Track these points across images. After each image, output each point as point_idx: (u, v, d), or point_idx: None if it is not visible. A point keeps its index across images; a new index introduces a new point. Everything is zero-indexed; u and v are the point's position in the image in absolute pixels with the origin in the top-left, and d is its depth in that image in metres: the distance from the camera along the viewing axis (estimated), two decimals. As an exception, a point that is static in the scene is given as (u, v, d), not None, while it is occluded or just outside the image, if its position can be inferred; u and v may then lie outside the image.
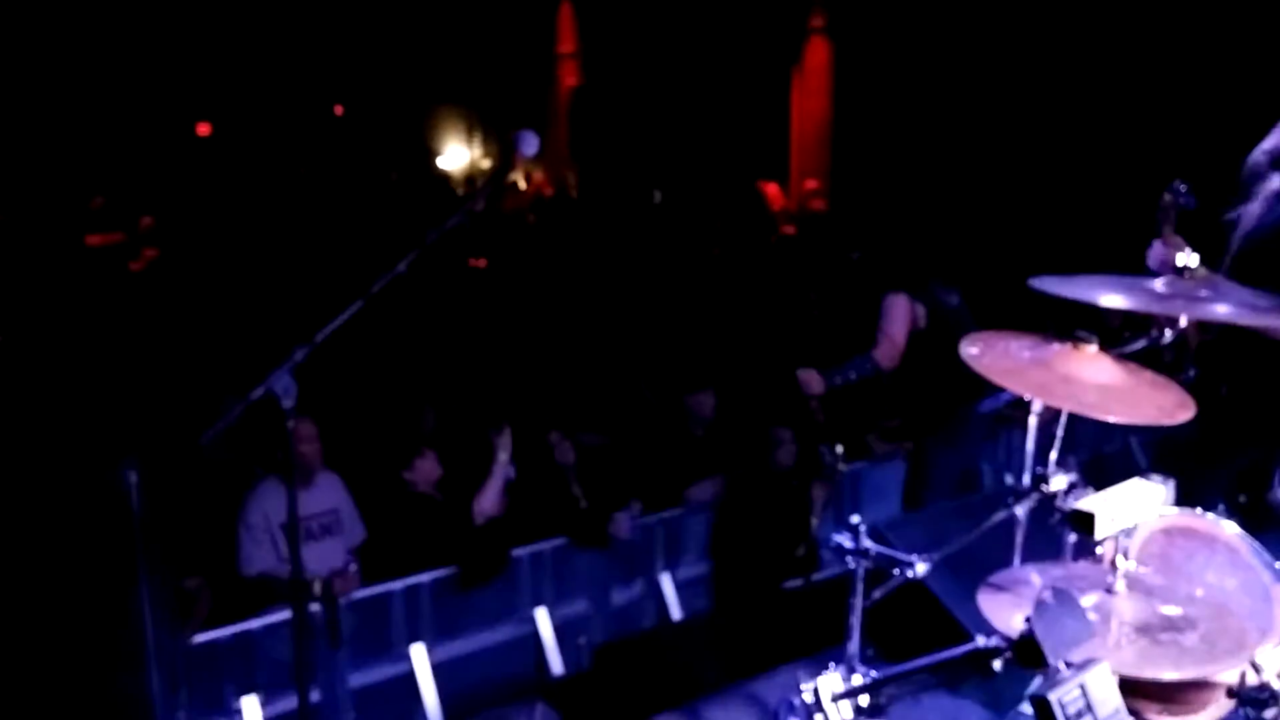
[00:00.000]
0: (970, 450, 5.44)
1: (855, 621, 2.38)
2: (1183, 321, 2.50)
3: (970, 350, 2.25)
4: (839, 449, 4.77)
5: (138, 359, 6.80)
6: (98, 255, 10.56)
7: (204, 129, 17.64)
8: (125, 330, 7.70)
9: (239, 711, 4.16)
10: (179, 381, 6.06)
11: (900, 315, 5.03)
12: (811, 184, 13.18)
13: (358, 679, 4.64)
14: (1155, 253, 2.78)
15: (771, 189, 12.51)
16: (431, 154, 20.44)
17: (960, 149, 10.68)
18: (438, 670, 4.69)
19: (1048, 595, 1.82)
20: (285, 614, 3.96)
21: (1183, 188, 2.84)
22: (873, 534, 2.46)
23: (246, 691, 4.20)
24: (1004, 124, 10.42)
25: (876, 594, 2.45)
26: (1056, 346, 2.25)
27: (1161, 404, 2.23)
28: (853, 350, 5.06)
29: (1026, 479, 2.37)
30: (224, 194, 13.49)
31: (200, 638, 4.18)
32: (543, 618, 5.12)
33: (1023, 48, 10.33)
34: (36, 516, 3.35)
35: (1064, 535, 2.45)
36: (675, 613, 5.52)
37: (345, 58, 18.11)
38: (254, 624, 4.30)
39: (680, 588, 5.59)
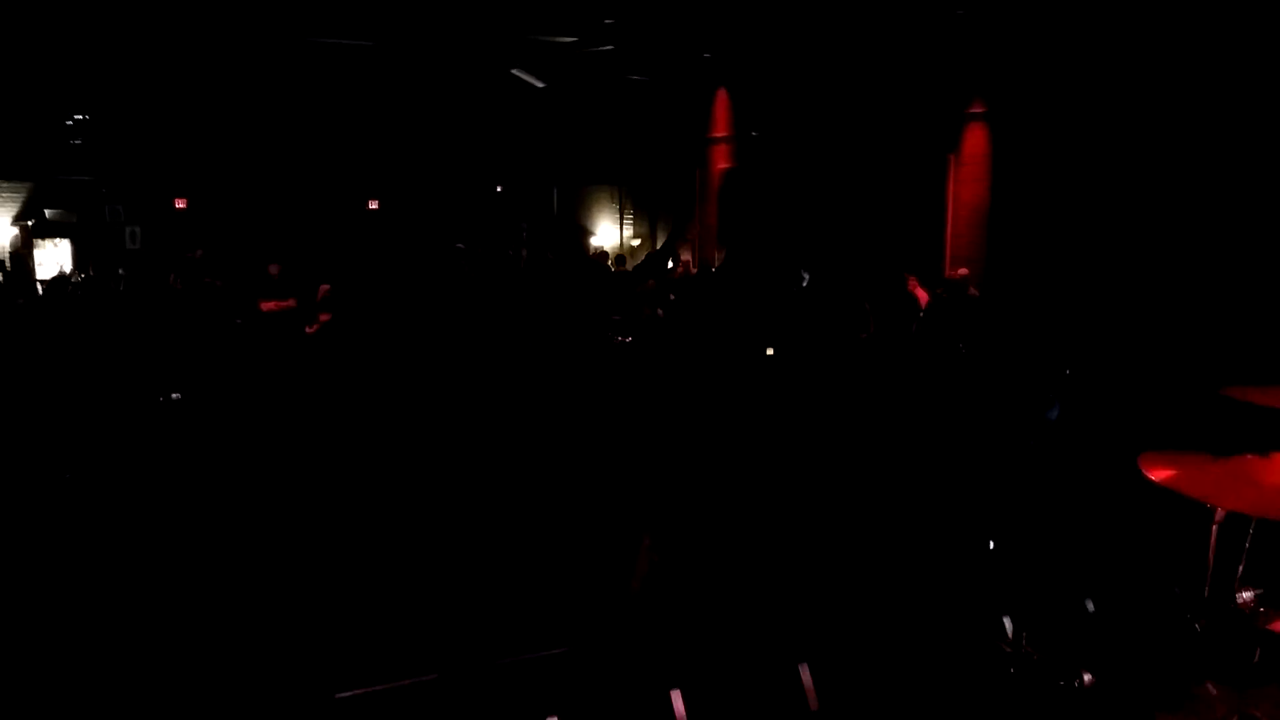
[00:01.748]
0: None
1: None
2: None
3: (1155, 469, 2.13)
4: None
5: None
6: (271, 319, 11.21)
7: (373, 204, 18.72)
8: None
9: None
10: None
11: None
12: (963, 271, 12.92)
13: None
14: None
15: (921, 293, 12.31)
16: (585, 232, 21.06)
17: (1117, 236, 10.31)
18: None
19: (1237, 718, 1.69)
20: (427, 676, 4.03)
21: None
22: (1033, 639, 2.34)
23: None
24: (1160, 211, 10.02)
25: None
26: (1244, 459, 2.11)
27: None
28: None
29: (1207, 591, 2.22)
30: (390, 265, 14.18)
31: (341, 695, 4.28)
32: (677, 700, 5.04)
33: (1180, 136, 9.98)
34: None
35: (1249, 655, 2.27)
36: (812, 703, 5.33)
37: (505, 140, 18.97)
38: (404, 682, 4.37)
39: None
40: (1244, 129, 9.53)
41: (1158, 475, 2.03)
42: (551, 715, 4.41)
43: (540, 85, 15.09)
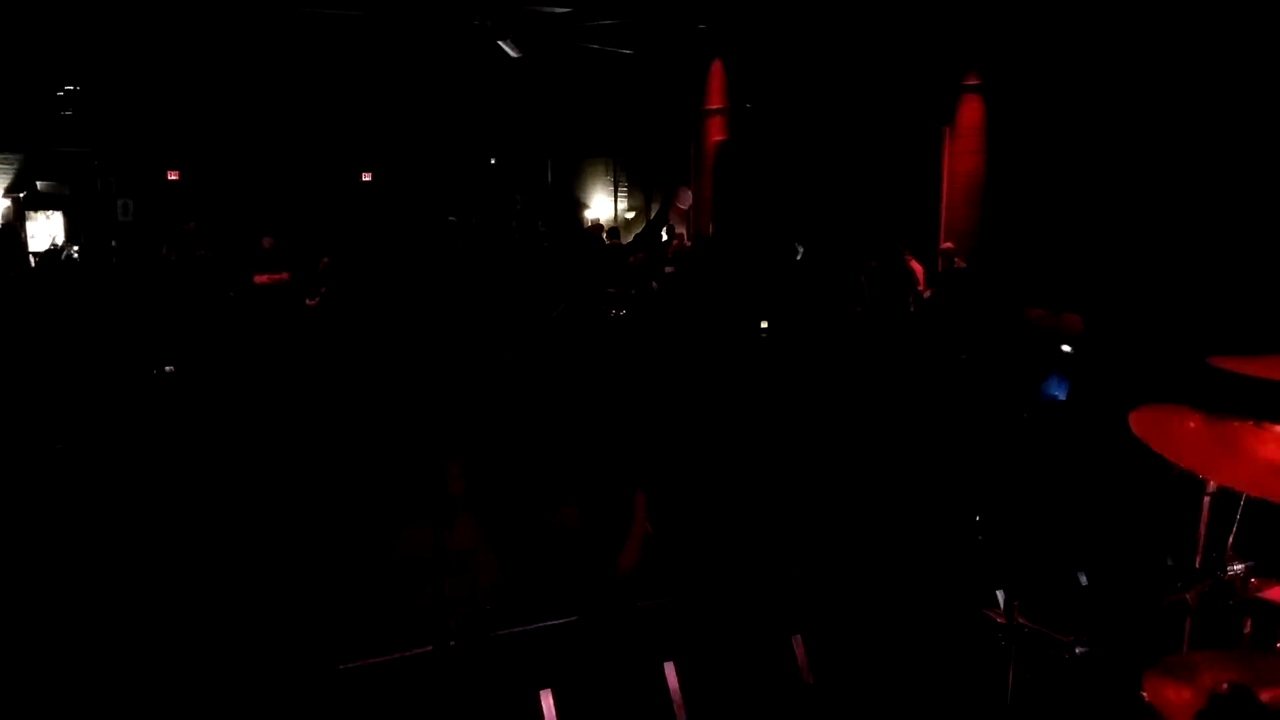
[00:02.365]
0: None
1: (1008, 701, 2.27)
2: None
3: (1141, 423, 2.14)
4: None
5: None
6: (264, 292, 11.17)
7: (366, 176, 18.63)
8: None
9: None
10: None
11: None
12: (948, 244, 12.85)
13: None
14: None
15: (915, 266, 12.30)
16: (580, 204, 20.99)
17: (1112, 209, 10.30)
18: (564, 717, 4.69)
19: (1224, 689, 1.70)
20: (423, 649, 4.05)
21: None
22: (1026, 610, 2.35)
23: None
24: (1155, 186, 10.01)
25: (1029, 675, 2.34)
26: (1236, 425, 2.12)
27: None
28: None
29: (1199, 562, 2.23)
30: (384, 237, 14.13)
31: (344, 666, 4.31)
32: (670, 672, 5.06)
33: (1175, 110, 9.95)
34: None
35: (1239, 626, 2.29)
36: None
37: (499, 112, 18.86)
38: (398, 655, 4.39)
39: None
40: (1238, 105, 9.50)
41: (1150, 437, 2.03)
42: (546, 687, 4.44)
43: (516, 55, 14.93)
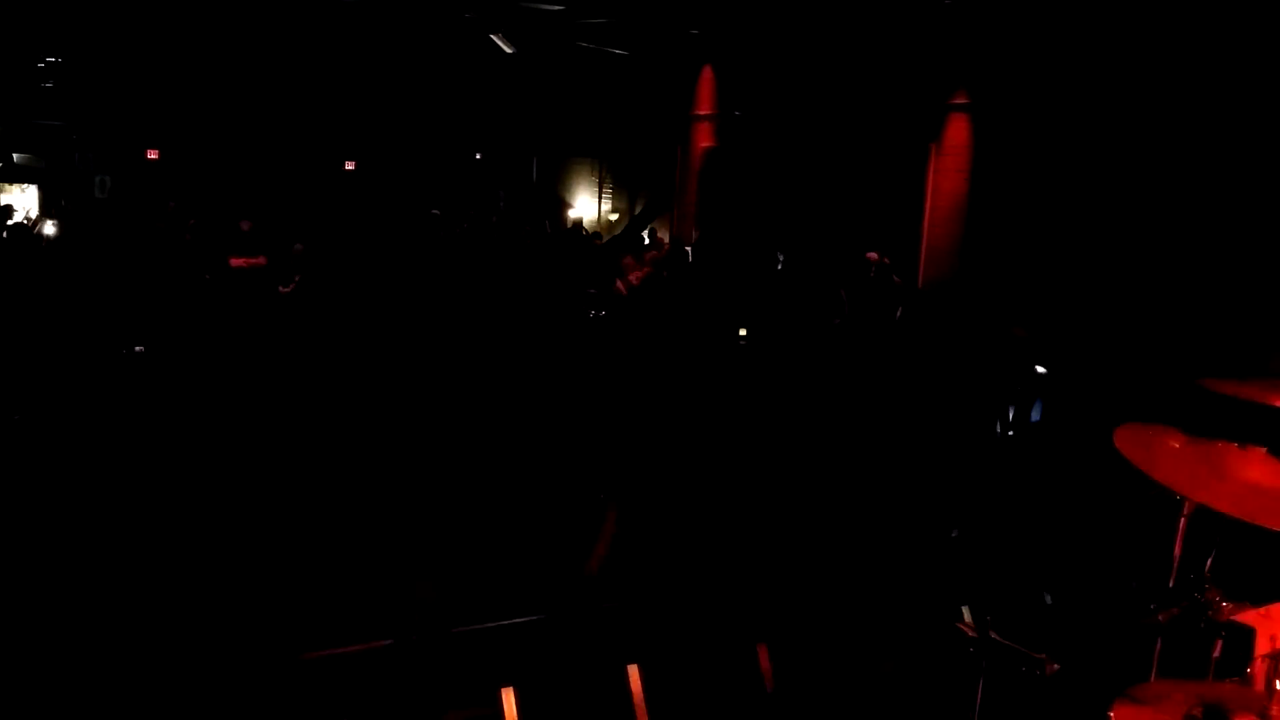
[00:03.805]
0: None
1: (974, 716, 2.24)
2: None
3: (1125, 441, 2.12)
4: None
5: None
6: (240, 276, 11.03)
7: (349, 165, 18.49)
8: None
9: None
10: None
11: None
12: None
13: (448, 715, 4.62)
14: None
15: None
16: (564, 204, 20.93)
17: (1096, 231, 10.38)
18: (525, 716, 4.63)
19: (1198, 713, 1.68)
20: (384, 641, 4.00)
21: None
22: (999, 625, 2.32)
23: (342, 715, 4.22)
24: (1140, 208, 10.10)
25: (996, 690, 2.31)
26: (1219, 446, 2.10)
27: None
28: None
29: (1172, 583, 2.21)
30: (363, 228, 14.02)
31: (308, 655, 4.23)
32: (634, 675, 5.02)
33: (1161, 131, 10.04)
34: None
35: (1209, 648, 2.27)
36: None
37: (486, 107, 18.78)
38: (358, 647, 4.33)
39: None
40: (1225, 123, 9.58)
41: (1132, 453, 2.01)
42: (508, 685, 4.38)
43: (510, 51, 14.86)
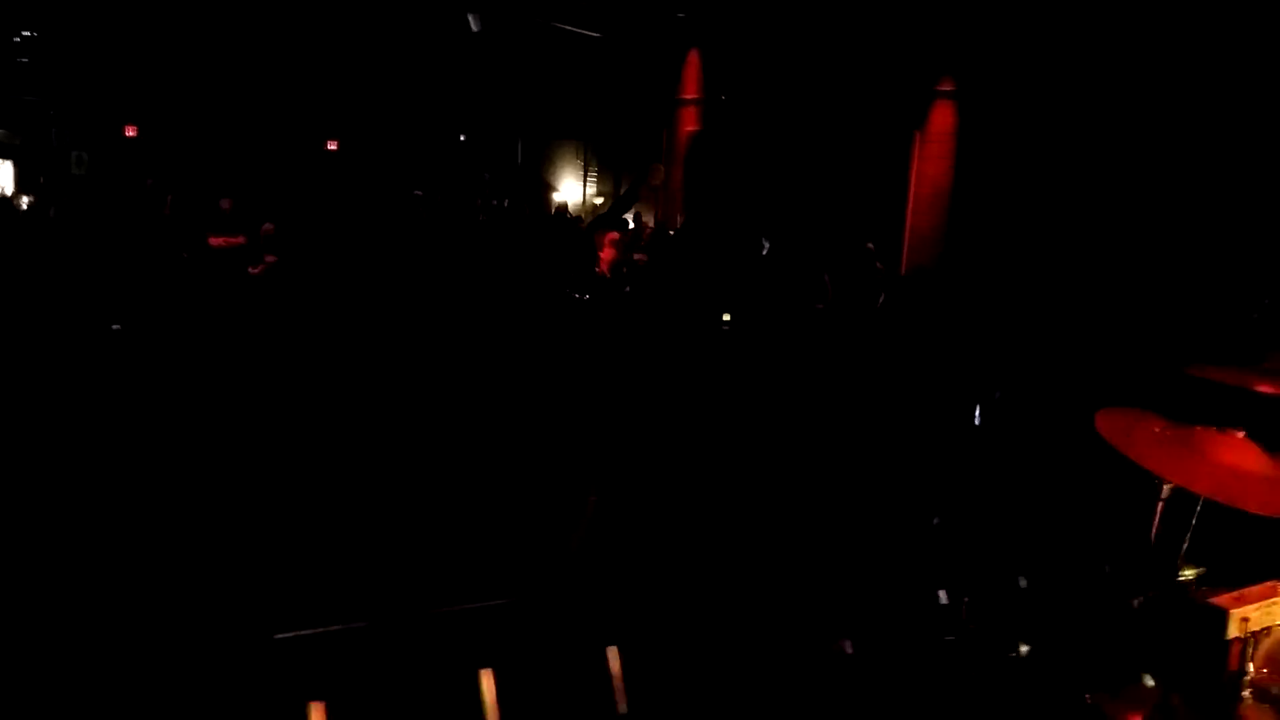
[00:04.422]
0: None
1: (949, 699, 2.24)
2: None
3: (1106, 424, 2.11)
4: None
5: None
6: (219, 256, 10.92)
7: (332, 145, 18.33)
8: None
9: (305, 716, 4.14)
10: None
11: None
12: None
13: (423, 696, 4.60)
14: None
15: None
16: (548, 186, 20.84)
17: (1080, 218, 10.41)
18: (503, 698, 4.62)
19: (1176, 700, 1.67)
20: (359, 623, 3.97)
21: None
22: (973, 608, 2.32)
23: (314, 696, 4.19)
24: (1119, 194, 10.13)
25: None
26: (1198, 430, 2.09)
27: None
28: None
29: (1149, 567, 2.21)
30: (343, 208, 13.91)
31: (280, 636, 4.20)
32: (613, 656, 5.02)
33: (1146, 123, 10.06)
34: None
35: (1184, 632, 2.27)
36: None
37: (471, 89, 18.64)
38: (335, 628, 4.30)
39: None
40: (1207, 114, 9.61)
41: (1112, 436, 2.00)
42: (487, 667, 4.37)
43: (476, 29, 14.71)
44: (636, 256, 13.24)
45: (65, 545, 4.78)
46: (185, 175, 15.15)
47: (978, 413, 5.21)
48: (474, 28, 14.63)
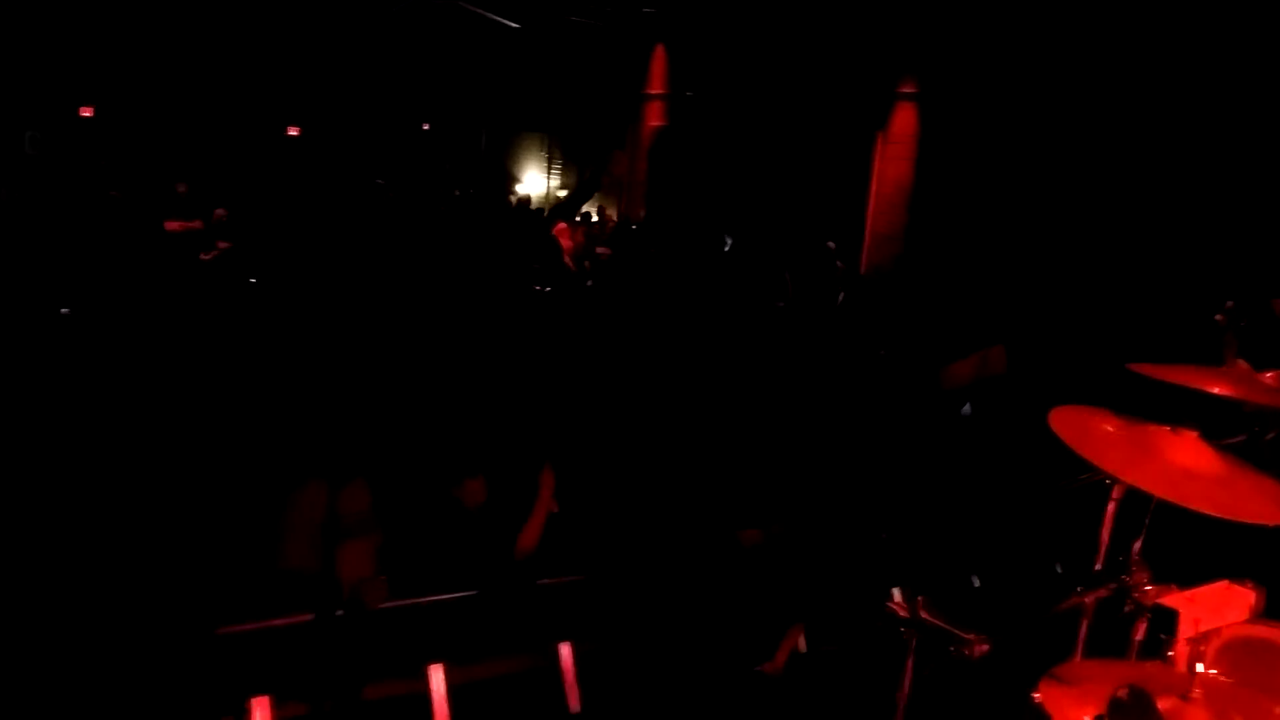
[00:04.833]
0: None
1: (903, 697, 2.23)
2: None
3: (1060, 423, 2.11)
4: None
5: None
6: (175, 241, 10.72)
7: (294, 131, 18.07)
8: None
9: (247, 711, 4.06)
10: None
11: None
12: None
13: (371, 692, 4.53)
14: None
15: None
16: (512, 178, 20.70)
17: (1038, 220, 10.53)
18: (454, 693, 4.57)
19: (1124, 694, 1.67)
20: (310, 615, 3.89)
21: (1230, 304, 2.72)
22: (928, 606, 2.31)
23: (258, 691, 4.11)
24: (1078, 196, 10.27)
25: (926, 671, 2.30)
26: (1152, 429, 2.09)
27: (1262, 502, 2.06)
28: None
29: (1099, 566, 2.22)
30: (303, 195, 13.72)
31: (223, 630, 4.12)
32: (565, 653, 4.98)
33: (1110, 123, 10.20)
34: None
35: (1132, 631, 2.29)
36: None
37: (436, 77, 18.46)
38: (279, 622, 4.22)
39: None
40: (1172, 115, 9.74)
41: (1066, 435, 2.00)
42: (437, 662, 4.32)
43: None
44: (599, 250, 13.22)
45: (6, 536, 4.65)
46: (142, 157, 14.86)
47: (942, 409, 5.25)
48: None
